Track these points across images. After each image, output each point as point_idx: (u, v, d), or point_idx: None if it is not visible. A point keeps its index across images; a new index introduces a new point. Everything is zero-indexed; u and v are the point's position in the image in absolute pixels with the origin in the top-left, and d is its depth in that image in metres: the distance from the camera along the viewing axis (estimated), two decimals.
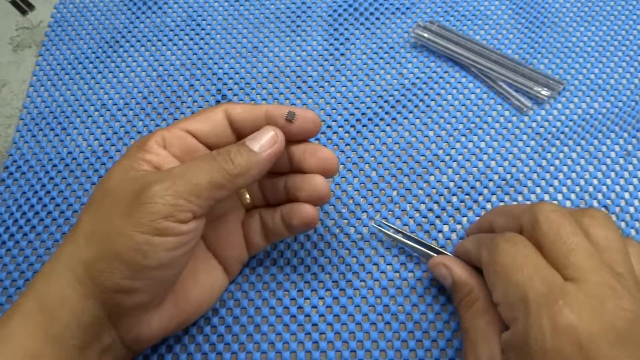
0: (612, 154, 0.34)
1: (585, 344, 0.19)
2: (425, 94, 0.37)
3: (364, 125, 0.36)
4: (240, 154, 0.24)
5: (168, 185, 0.22)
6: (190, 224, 0.23)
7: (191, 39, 0.40)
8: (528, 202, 0.32)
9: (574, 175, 0.33)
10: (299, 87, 0.38)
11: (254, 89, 0.38)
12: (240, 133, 0.27)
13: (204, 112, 0.27)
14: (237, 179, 0.24)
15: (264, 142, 0.25)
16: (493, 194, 0.33)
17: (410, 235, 0.31)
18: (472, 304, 0.25)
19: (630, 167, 0.34)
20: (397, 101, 0.37)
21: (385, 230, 0.31)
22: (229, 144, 0.27)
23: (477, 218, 0.32)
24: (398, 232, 0.31)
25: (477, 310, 0.25)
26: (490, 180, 0.33)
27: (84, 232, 0.23)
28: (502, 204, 0.33)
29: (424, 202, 0.33)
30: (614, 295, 0.20)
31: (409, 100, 0.37)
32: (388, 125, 0.36)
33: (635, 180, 0.33)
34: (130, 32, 0.41)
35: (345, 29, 0.40)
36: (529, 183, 0.33)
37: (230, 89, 0.38)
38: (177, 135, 0.26)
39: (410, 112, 0.36)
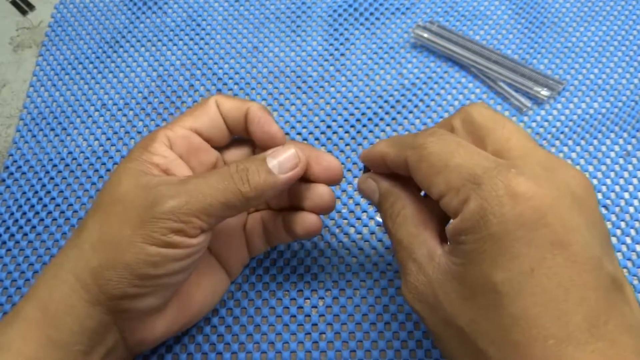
0: (612, 154, 0.34)
1: (546, 209, 0.17)
2: (425, 94, 0.37)
3: (364, 125, 0.36)
4: (258, 174, 0.24)
5: (182, 203, 0.22)
6: (199, 237, 0.23)
7: (191, 39, 0.40)
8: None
9: None
10: (299, 87, 0.38)
11: (254, 89, 0.38)
12: (228, 126, 0.27)
13: (199, 107, 0.26)
14: (250, 201, 0.24)
15: (284, 162, 0.24)
16: None
17: None
18: (399, 212, 0.23)
19: (630, 167, 0.34)
20: (397, 101, 0.37)
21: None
22: (226, 137, 0.27)
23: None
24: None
25: (406, 217, 0.22)
26: None
27: (91, 238, 0.23)
28: None
29: None
30: (562, 165, 0.19)
31: (409, 100, 0.37)
32: (388, 125, 0.36)
33: (634, 180, 0.33)
34: (130, 32, 0.41)
35: (345, 29, 0.40)
36: None
37: (230, 89, 0.38)
38: (181, 134, 0.25)
39: (410, 112, 0.36)
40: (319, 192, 0.26)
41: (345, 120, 0.36)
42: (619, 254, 0.31)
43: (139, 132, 0.36)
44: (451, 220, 0.20)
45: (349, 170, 0.34)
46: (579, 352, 0.16)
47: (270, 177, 0.24)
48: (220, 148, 0.28)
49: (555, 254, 0.17)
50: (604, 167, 0.34)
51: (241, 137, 0.28)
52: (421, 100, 0.37)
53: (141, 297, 0.23)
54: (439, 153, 0.20)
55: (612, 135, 0.35)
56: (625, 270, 0.30)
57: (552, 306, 0.16)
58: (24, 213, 0.34)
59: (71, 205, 0.34)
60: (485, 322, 0.18)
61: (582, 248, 0.17)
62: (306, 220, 0.26)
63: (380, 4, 0.41)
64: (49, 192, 0.34)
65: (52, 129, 0.37)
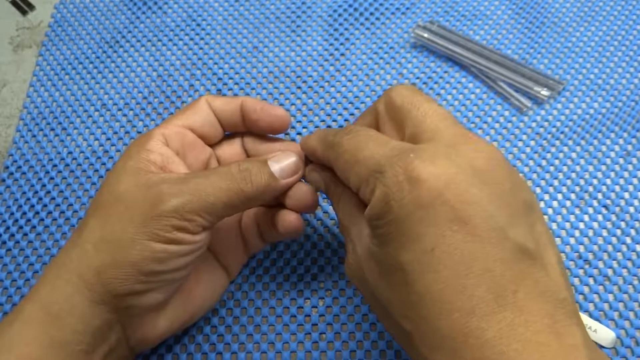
0: (612, 154, 0.34)
1: (443, 188, 0.18)
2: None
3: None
4: (261, 174, 0.24)
5: (185, 202, 0.22)
6: (202, 234, 0.24)
7: (191, 39, 0.40)
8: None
9: (573, 175, 0.33)
10: (299, 87, 0.38)
11: (254, 89, 0.38)
12: (221, 122, 0.28)
13: (191, 107, 0.27)
14: (250, 201, 0.24)
15: (286, 168, 0.25)
16: None
17: None
18: (341, 196, 0.24)
19: (630, 167, 0.34)
20: None
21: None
22: (219, 135, 0.28)
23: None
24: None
25: (345, 202, 0.24)
26: None
27: (93, 238, 0.23)
28: None
29: None
30: (469, 140, 0.20)
31: None
32: None
33: (635, 180, 0.33)
34: (130, 32, 0.41)
35: (345, 29, 0.40)
36: (529, 183, 0.33)
37: (230, 89, 0.38)
38: (175, 131, 0.26)
39: None
40: (299, 190, 0.26)
41: (346, 120, 0.36)
42: (619, 254, 0.31)
43: (139, 132, 0.36)
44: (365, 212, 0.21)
45: None
46: (484, 323, 0.16)
47: (272, 180, 0.25)
48: (212, 145, 0.29)
49: (454, 231, 0.17)
50: (604, 167, 0.34)
51: (231, 134, 0.29)
52: None
53: (146, 293, 0.23)
54: (351, 150, 0.21)
55: (612, 135, 0.35)
56: (625, 270, 0.30)
57: (453, 281, 0.17)
58: (24, 213, 0.34)
59: (71, 205, 0.34)
60: (397, 299, 0.19)
61: (483, 221, 0.17)
62: (286, 218, 0.27)
63: (380, 4, 0.41)
64: (49, 192, 0.34)
65: (52, 129, 0.37)
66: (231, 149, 0.29)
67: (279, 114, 0.27)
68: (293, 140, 0.36)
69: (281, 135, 0.29)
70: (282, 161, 0.25)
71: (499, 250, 0.17)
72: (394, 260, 0.19)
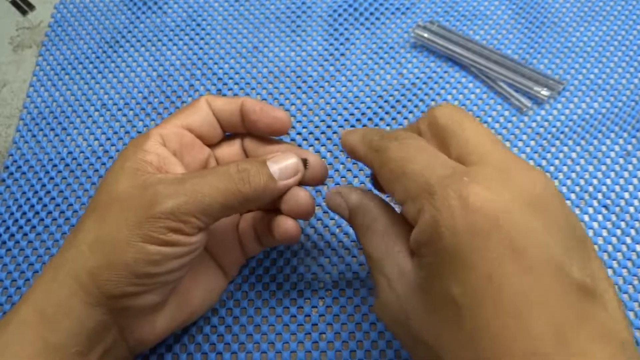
0: (612, 154, 0.34)
1: (498, 215, 0.17)
2: (425, 94, 0.37)
3: (364, 125, 0.36)
4: (260, 175, 0.24)
5: (181, 203, 0.22)
6: (198, 235, 0.23)
7: (191, 39, 0.40)
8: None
9: (574, 175, 0.33)
10: (299, 87, 0.38)
11: (254, 89, 0.38)
12: (221, 123, 0.27)
13: (190, 107, 0.27)
14: (248, 202, 0.24)
15: (285, 169, 0.25)
16: None
17: None
18: (370, 225, 0.22)
19: (630, 167, 0.34)
20: (397, 101, 0.37)
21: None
22: (218, 135, 0.28)
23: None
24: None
25: (377, 230, 0.22)
26: None
27: (88, 239, 0.23)
28: None
29: None
30: (521, 166, 0.19)
31: (409, 100, 0.37)
32: (388, 125, 0.36)
33: (635, 180, 0.33)
34: (130, 32, 0.41)
35: (345, 29, 0.40)
36: None
37: (230, 89, 0.38)
38: (173, 132, 0.26)
39: (410, 112, 0.36)
40: (296, 195, 0.26)
41: (345, 120, 0.36)
42: (619, 254, 0.31)
43: (139, 132, 0.36)
44: (412, 233, 0.19)
45: (349, 170, 0.34)
46: None
47: (270, 181, 0.24)
48: (211, 145, 0.28)
49: (510, 261, 0.16)
50: (604, 167, 0.34)
51: (231, 135, 0.29)
52: (421, 100, 0.37)
53: (141, 295, 0.23)
54: (398, 159, 0.20)
55: (612, 135, 0.35)
56: (625, 270, 0.30)
57: (514, 315, 0.16)
58: (24, 213, 0.34)
59: (71, 205, 0.34)
60: (449, 337, 0.17)
61: (539, 252, 0.16)
62: (282, 224, 0.26)
63: (380, 4, 0.41)
64: (48, 192, 0.34)
65: (52, 129, 0.37)
66: (230, 150, 0.28)
67: (279, 115, 0.26)
68: (293, 140, 0.36)
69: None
70: (281, 162, 0.25)
71: (558, 286, 0.16)
72: (445, 293, 0.17)
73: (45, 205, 0.34)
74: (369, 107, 0.37)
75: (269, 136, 0.28)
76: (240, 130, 0.28)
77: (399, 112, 0.36)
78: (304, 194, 0.26)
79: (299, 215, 0.26)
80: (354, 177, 0.34)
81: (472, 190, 0.17)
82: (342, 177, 0.34)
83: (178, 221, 0.22)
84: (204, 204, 0.22)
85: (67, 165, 0.35)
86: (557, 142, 0.35)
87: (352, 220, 0.24)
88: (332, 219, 0.33)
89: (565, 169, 0.34)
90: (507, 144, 0.35)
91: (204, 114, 0.27)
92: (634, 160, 0.34)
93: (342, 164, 0.34)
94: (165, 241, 0.22)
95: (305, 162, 0.26)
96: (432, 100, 0.37)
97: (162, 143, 0.25)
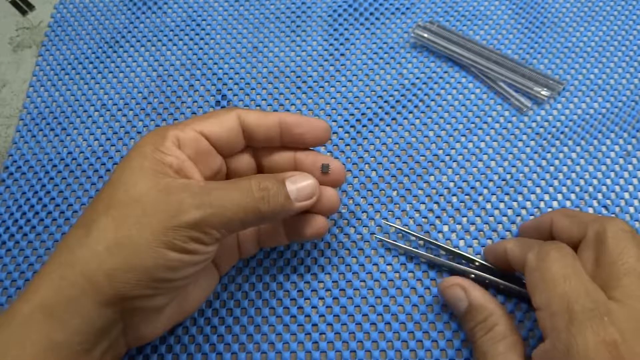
0: (612, 154, 0.34)
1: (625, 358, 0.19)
2: (425, 94, 0.37)
3: (363, 125, 0.36)
4: (279, 196, 0.24)
5: (206, 216, 0.22)
6: (214, 245, 0.24)
7: (191, 39, 0.40)
8: (598, 214, 0.31)
9: (573, 175, 0.33)
10: (299, 87, 0.38)
11: (254, 89, 0.38)
12: (251, 139, 0.27)
13: (217, 115, 0.26)
14: (264, 220, 0.25)
15: (302, 190, 0.26)
16: (493, 194, 0.33)
17: (419, 236, 0.31)
18: (491, 328, 0.25)
19: (630, 167, 0.34)
20: (397, 101, 0.37)
21: (391, 241, 0.31)
22: (238, 149, 0.27)
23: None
24: (403, 233, 0.31)
25: (497, 335, 0.25)
26: (490, 180, 0.33)
27: (105, 240, 0.22)
28: (502, 204, 0.33)
29: (424, 203, 0.33)
30: None
31: (409, 100, 0.37)
32: (388, 125, 0.36)
33: (635, 180, 0.33)
34: (130, 32, 0.41)
35: (345, 29, 0.40)
36: (529, 183, 0.33)
37: (230, 89, 0.38)
38: (190, 136, 0.25)
39: (410, 112, 0.36)
40: (327, 195, 0.27)
41: (345, 120, 0.36)
42: None
43: (139, 132, 0.36)
44: (540, 345, 0.22)
45: (348, 170, 0.34)
46: None
47: (287, 202, 0.25)
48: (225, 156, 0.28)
49: None
50: (604, 167, 0.34)
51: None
52: (421, 100, 0.37)
53: (154, 297, 0.23)
54: (553, 271, 0.23)
55: (612, 135, 0.35)
56: None
57: None
58: (24, 213, 0.34)
59: (71, 205, 0.34)
60: None
61: None
62: (315, 222, 0.28)
63: (380, 4, 0.41)
64: (48, 192, 0.34)
65: (52, 129, 0.37)
66: (242, 160, 0.28)
67: (322, 125, 0.27)
68: None
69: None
70: (299, 182, 0.25)
71: None
72: None
73: (45, 205, 0.34)
74: (369, 107, 0.37)
75: (310, 147, 0.28)
76: (275, 144, 0.28)
77: (399, 112, 0.36)
78: (332, 192, 0.28)
79: (328, 211, 0.28)
80: (354, 177, 0.34)
81: (609, 332, 0.20)
82: None
83: (201, 232, 0.23)
84: (227, 217, 0.23)
85: (67, 165, 0.35)
86: (557, 142, 0.35)
87: (470, 317, 0.26)
88: (332, 219, 0.33)
89: (565, 169, 0.34)
90: (507, 144, 0.35)
91: (229, 126, 0.26)
92: (634, 161, 0.34)
93: (342, 164, 0.34)
94: (185, 249, 0.22)
95: (327, 167, 0.27)
96: (432, 100, 0.37)
97: (177, 146, 0.25)
